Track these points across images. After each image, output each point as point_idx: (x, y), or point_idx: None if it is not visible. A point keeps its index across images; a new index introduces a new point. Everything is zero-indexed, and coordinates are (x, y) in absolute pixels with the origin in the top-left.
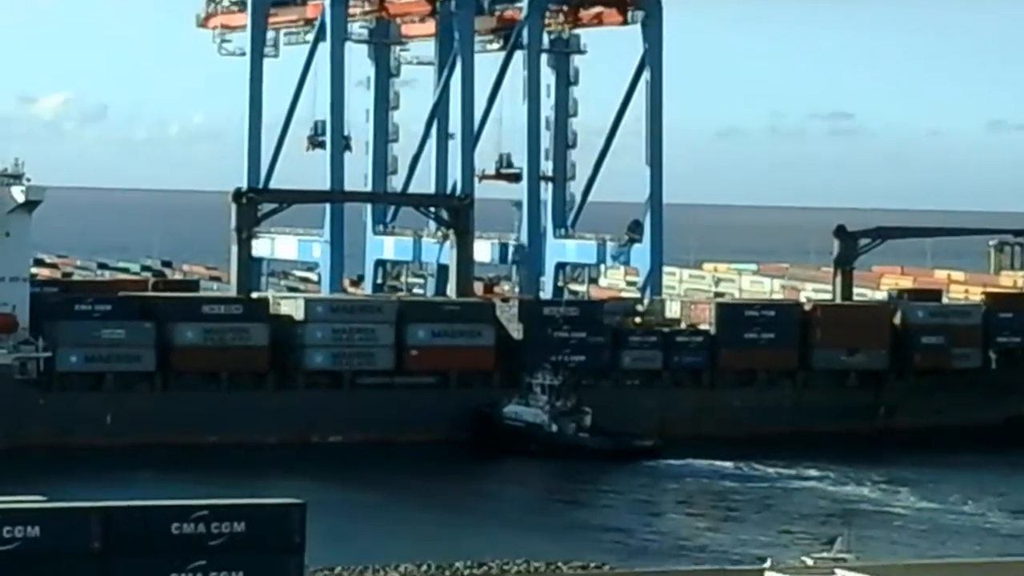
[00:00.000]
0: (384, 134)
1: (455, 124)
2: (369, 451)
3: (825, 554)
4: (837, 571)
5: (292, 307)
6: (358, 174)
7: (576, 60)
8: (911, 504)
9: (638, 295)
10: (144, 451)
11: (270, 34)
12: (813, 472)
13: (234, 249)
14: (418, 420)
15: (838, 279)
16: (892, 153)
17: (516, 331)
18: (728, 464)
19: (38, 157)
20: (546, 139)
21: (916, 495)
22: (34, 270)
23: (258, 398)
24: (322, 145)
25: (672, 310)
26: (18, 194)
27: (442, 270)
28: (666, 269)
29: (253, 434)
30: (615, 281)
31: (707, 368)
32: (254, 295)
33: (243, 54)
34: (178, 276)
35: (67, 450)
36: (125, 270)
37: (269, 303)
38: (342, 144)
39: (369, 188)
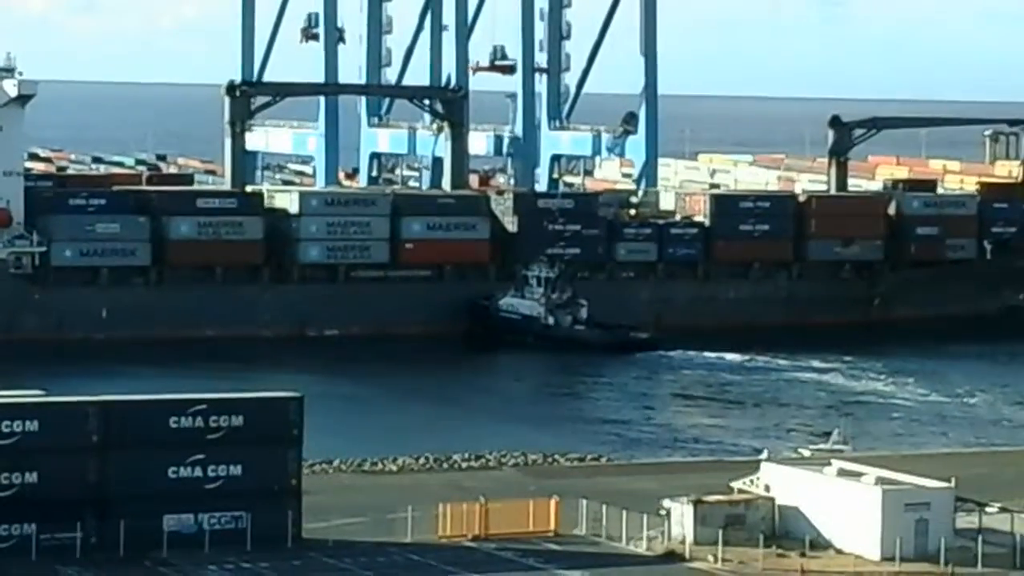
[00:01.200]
0: (378, 26)
1: (449, 16)
2: (364, 344)
3: (821, 446)
4: (833, 462)
5: (287, 200)
6: (352, 67)
7: None
8: (908, 395)
9: (633, 187)
10: (139, 345)
11: None
12: (809, 364)
13: (228, 143)
14: (413, 313)
15: (833, 170)
16: (885, 41)
17: (511, 224)
18: (724, 356)
19: (29, 51)
20: (540, 30)
21: (913, 386)
22: (29, 164)
23: (253, 292)
24: (316, 38)
25: (667, 202)
26: (10, 88)
27: (437, 163)
28: (661, 161)
29: (248, 328)
30: (610, 173)
31: (702, 260)
32: (248, 189)
33: None
34: (173, 170)
35: (62, 344)
36: (120, 164)
37: (264, 197)
38: (336, 36)
39: (363, 81)
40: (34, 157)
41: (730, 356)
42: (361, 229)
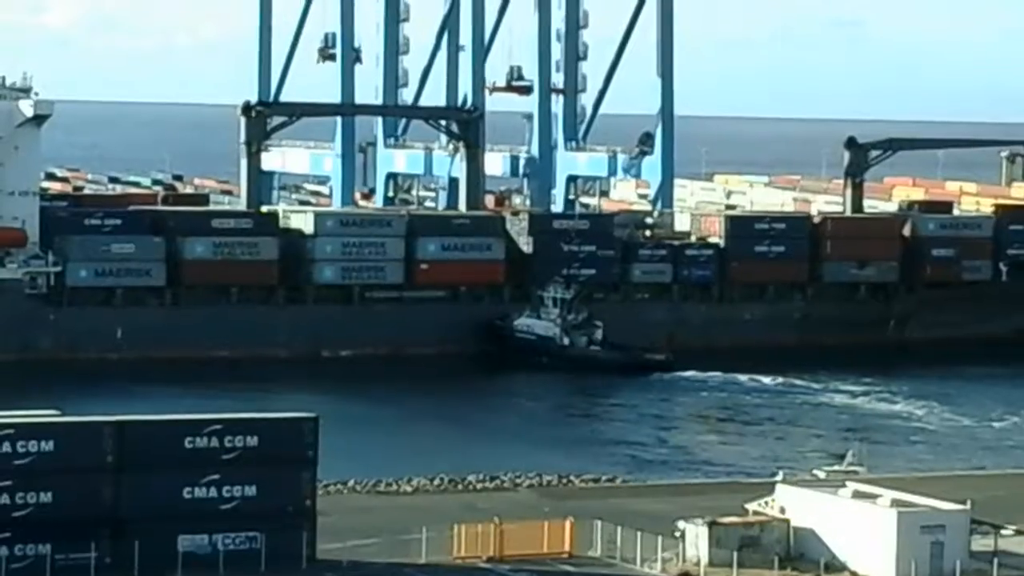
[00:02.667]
0: (395, 46)
1: (466, 36)
2: (379, 365)
3: (836, 467)
4: (848, 483)
5: (302, 221)
6: (369, 87)
7: None
8: (923, 417)
9: (649, 207)
10: (154, 365)
11: None
12: (824, 385)
13: (243, 163)
14: (428, 334)
15: (848, 191)
16: (903, 63)
17: (526, 244)
18: (739, 377)
19: (46, 70)
20: (557, 51)
21: (928, 407)
22: (45, 184)
23: (268, 312)
24: (333, 58)
25: (682, 223)
26: (27, 108)
27: (453, 183)
28: (677, 181)
29: (263, 348)
30: (626, 194)
31: (717, 281)
32: (264, 209)
33: None
34: (189, 190)
35: (77, 364)
36: (136, 184)
37: (279, 217)
38: (353, 56)
39: (380, 101)
40: (51, 177)
41: (745, 377)
42: (376, 250)
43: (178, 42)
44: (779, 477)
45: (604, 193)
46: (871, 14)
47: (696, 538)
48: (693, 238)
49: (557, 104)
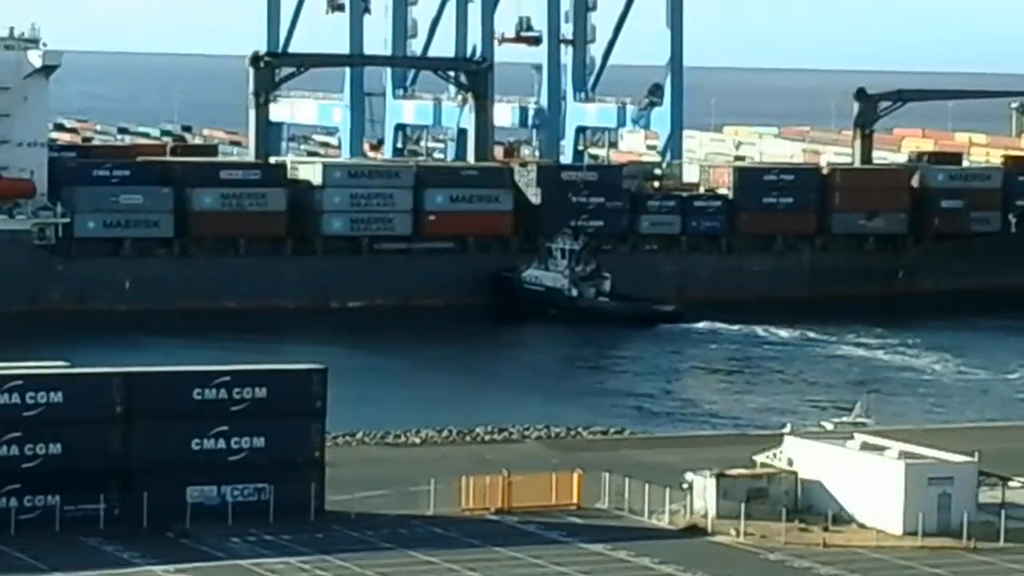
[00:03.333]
0: None
1: None
2: (387, 316)
3: (844, 419)
4: (856, 435)
5: (310, 172)
6: (378, 38)
7: None
8: (932, 368)
9: (658, 159)
10: (162, 316)
11: None
12: (832, 336)
13: (252, 114)
14: (436, 285)
15: (857, 143)
16: (911, 13)
17: (534, 196)
18: (747, 328)
19: (53, 21)
20: (566, 1)
21: (937, 359)
22: (54, 135)
23: (276, 263)
24: (342, 8)
25: (691, 174)
26: (35, 59)
27: (462, 134)
28: (686, 133)
29: (271, 299)
30: (635, 145)
31: (725, 232)
32: (272, 160)
33: None
34: (198, 141)
35: (85, 315)
36: (145, 135)
37: (287, 168)
38: (361, 7)
39: (389, 52)
40: (59, 128)
41: (753, 328)
42: (384, 201)
43: None
44: (787, 429)
45: (613, 144)
46: None
47: (704, 490)
48: (702, 189)
49: (566, 55)
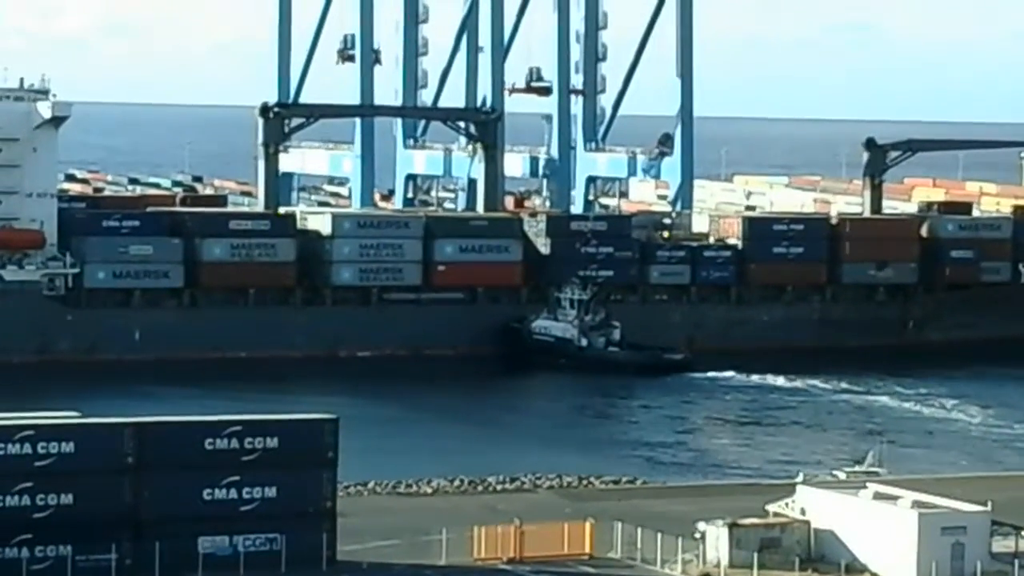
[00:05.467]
0: (414, 48)
1: (485, 37)
2: (397, 366)
3: (857, 468)
4: (869, 484)
5: (319, 222)
6: (388, 88)
7: None
8: (943, 418)
9: (668, 208)
10: (172, 367)
11: None
12: (843, 386)
13: (261, 164)
14: (445, 335)
15: (867, 192)
16: (920, 64)
17: (544, 246)
18: (758, 378)
19: (63, 72)
20: (576, 52)
21: (948, 409)
22: (65, 185)
23: (285, 314)
24: (352, 59)
25: (700, 224)
26: (44, 110)
27: (472, 184)
28: (697, 182)
29: (281, 349)
30: (646, 195)
31: (735, 282)
32: (282, 210)
33: None
34: (209, 191)
35: (95, 365)
36: (156, 185)
37: (296, 218)
38: (372, 58)
39: (399, 102)
40: (70, 178)
41: (764, 378)
42: (394, 251)
43: (193, 45)
44: (799, 478)
45: (623, 194)
46: (883, 17)
47: (716, 539)
48: (711, 239)
49: (576, 105)
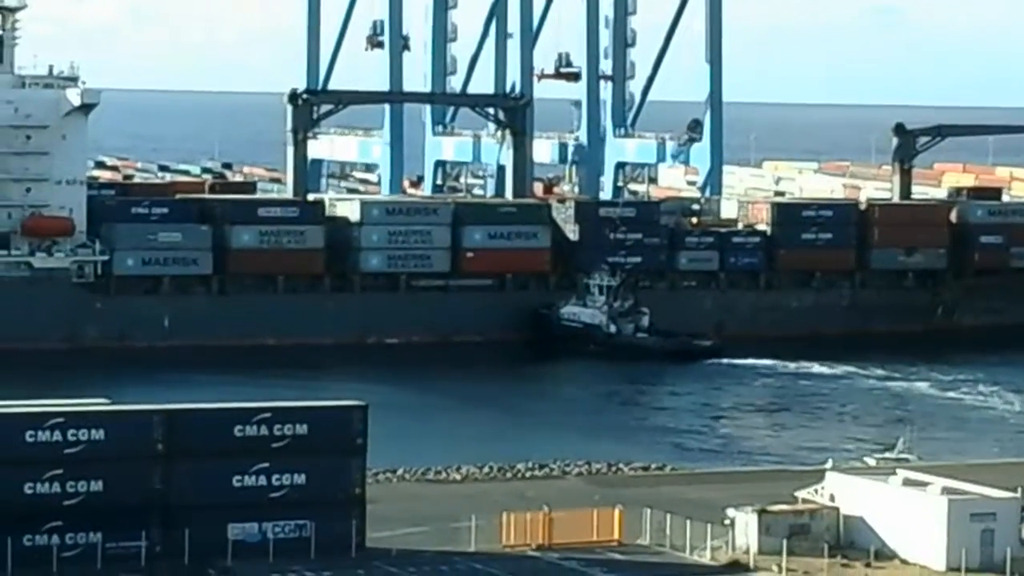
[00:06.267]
0: (443, 34)
1: (514, 23)
2: (426, 353)
3: (887, 454)
4: (898, 471)
5: (348, 209)
6: (417, 74)
7: None
8: (973, 404)
9: (698, 194)
10: (201, 354)
11: None
12: (873, 372)
13: (290, 151)
14: (474, 322)
15: (897, 178)
16: (949, 49)
17: (572, 232)
18: (787, 364)
19: (93, 60)
20: (605, 38)
21: (978, 395)
22: (96, 172)
23: (314, 300)
24: (381, 45)
25: (729, 210)
26: (74, 97)
27: (501, 171)
28: (726, 168)
29: (309, 336)
30: (675, 180)
31: (764, 268)
32: (311, 197)
33: None
34: (239, 178)
35: (124, 353)
36: (186, 172)
37: (325, 205)
38: (401, 44)
39: (428, 89)
40: (101, 165)
41: (793, 364)
42: (422, 238)
43: (223, 32)
44: (829, 465)
45: (652, 180)
46: (912, 1)
47: (746, 526)
48: (740, 225)
49: (605, 91)
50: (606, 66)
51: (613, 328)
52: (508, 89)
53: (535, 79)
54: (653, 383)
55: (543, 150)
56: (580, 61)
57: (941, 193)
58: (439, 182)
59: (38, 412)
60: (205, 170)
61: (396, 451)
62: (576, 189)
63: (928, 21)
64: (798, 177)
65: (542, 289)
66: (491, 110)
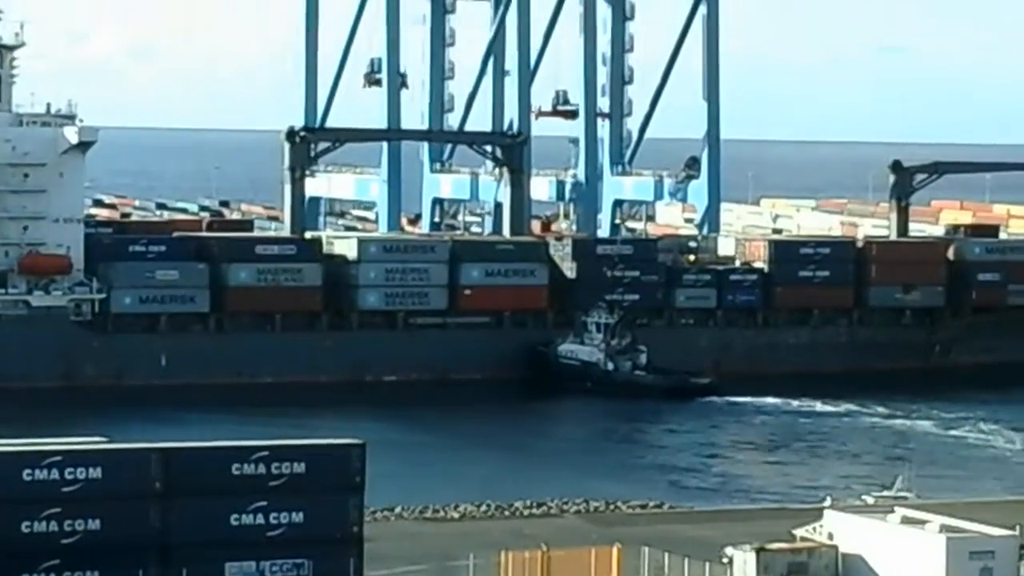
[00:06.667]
0: (440, 71)
1: (511, 61)
2: (423, 391)
3: (885, 492)
4: (897, 509)
5: (345, 247)
6: (415, 112)
7: None
8: (971, 442)
9: (695, 232)
10: (198, 392)
11: None
12: (870, 410)
13: (287, 188)
14: (472, 359)
15: (894, 215)
16: (948, 87)
17: (569, 270)
18: (785, 402)
19: (89, 97)
20: (603, 75)
21: (976, 432)
22: (93, 210)
23: (312, 338)
24: (379, 83)
25: (726, 247)
26: (71, 135)
27: (499, 208)
28: (724, 205)
29: (307, 374)
30: (673, 218)
31: (761, 306)
32: (308, 235)
33: None
34: (236, 216)
35: (122, 391)
36: (184, 210)
37: (323, 243)
38: (398, 82)
39: (426, 126)
40: (98, 203)
41: (790, 402)
42: (420, 275)
43: (220, 70)
44: (827, 503)
45: (650, 217)
46: (915, 40)
47: (744, 564)
48: (737, 262)
49: (603, 128)
50: (604, 103)
51: (611, 366)
52: (506, 126)
53: (533, 116)
54: (651, 421)
55: (541, 187)
56: (578, 98)
57: (939, 230)
58: (437, 219)
59: (35, 450)
60: (203, 208)
61: (394, 489)
62: (574, 227)
63: (934, 59)
64: (796, 214)
65: (540, 326)
66: (489, 147)
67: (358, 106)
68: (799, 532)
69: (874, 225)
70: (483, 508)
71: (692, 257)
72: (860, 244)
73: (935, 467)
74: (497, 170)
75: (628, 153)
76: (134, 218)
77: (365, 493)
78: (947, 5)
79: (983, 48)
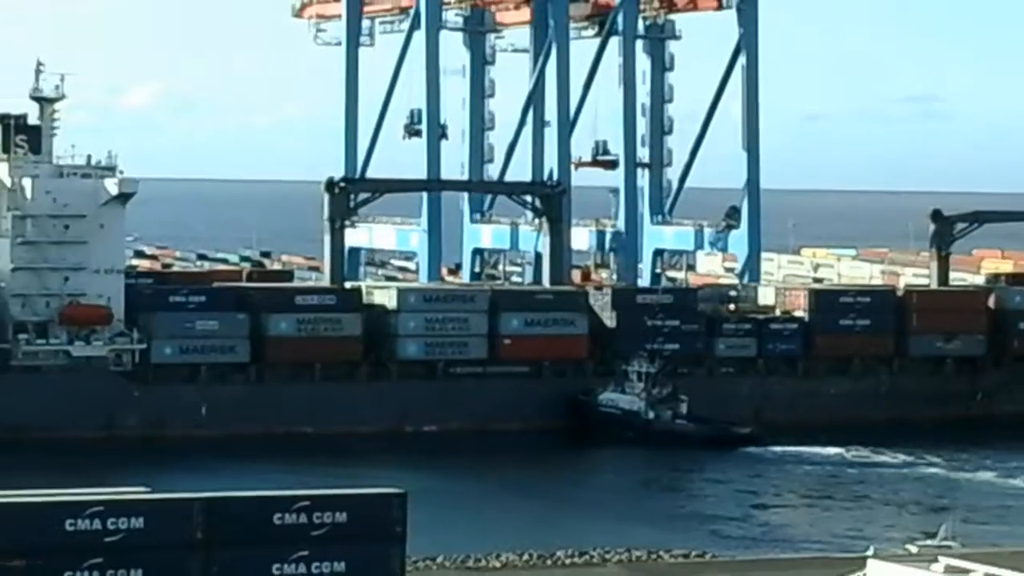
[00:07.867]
0: (480, 122)
1: (551, 112)
2: (463, 440)
3: (929, 542)
4: (941, 559)
5: (385, 297)
6: (455, 163)
7: (671, 46)
8: (1015, 490)
9: (736, 281)
10: (239, 442)
11: (365, 23)
12: (913, 459)
13: (327, 239)
14: (512, 409)
15: (935, 264)
16: (985, 136)
17: (609, 319)
18: (827, 451)
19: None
20: (642, 125)
21: (1020, 481)
22: (135, 261)
23: (352, 388)
24: (419, 134)
25: (766, 297)
26: (111, 186)
27: (539, 258)
28: (764, 255)
29: (347, 424)
30: (713, 267)
31: (802, 355)
32: (348, 285)
33: (339, 43)
34: (277, 266)
35: (162, 441)
36: (224, 261)
37: (362, 293)
38: (438, 133)
39: (466, 177)
40: (140, 254)
41: (833, 451)
42: (459, 325)
43: (258, 121)
44: (870, 552)
45: (691, 267)
46: (948, 89)
47: None
48: (778, 312)
49: (643, 178)
50: (643, 154)
51: (651, 415)
52: (545, 177)
53: (572, 167)
54: (692, 470)
55: (580, 237)
56: (617, 149)
57: (979, 279)
58: (477, 270)
59: (78, 500)
60: (243, 258)
61: (435, 539)
62: (614, 276)
63: (965, 109)
64: (836, 264)
65: (580, 376)
66: (528, 198)
67: (398, 157)
68: None
69: (915, 274)
70: (525, 557)
71: (732, 306)
72: (901, 293)
73: (979, 516)
74: (537, 220)
75: (668, 203)
76: (174, 269)
77: (407, 542)
78: (984, 55)
79: (1021, 97)
